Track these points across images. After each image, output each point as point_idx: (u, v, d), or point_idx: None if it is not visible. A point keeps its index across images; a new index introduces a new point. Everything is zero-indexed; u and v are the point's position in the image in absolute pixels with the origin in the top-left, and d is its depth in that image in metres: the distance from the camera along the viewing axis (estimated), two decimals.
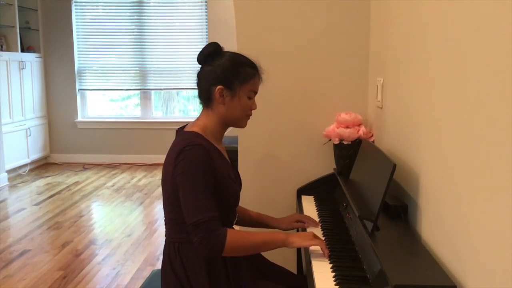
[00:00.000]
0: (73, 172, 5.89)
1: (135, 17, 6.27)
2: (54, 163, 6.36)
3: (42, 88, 6.22)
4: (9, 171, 5.36)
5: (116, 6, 6.28)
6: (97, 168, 6.13)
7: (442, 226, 1.26)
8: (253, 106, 1.57)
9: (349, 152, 2.09)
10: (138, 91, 6.47)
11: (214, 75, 1.51)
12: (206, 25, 6.04)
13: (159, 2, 6.25)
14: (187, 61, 6.21)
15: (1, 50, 5.44)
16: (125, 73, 6.38)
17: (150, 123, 6.42)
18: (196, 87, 1.59)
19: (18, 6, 5.60)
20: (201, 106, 1.59)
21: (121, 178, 5.60)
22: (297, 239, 1.47)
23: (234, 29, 2.31)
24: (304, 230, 1.74)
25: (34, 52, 6.08)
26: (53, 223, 3.96)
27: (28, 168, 5.89)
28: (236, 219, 1.66)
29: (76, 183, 5.36)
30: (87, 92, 6.49)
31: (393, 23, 1.84)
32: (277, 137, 2.33)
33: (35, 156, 6.01)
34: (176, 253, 1.48)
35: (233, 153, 2.03)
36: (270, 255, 1.69)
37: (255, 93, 1.59)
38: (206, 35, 6.07)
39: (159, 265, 2.42)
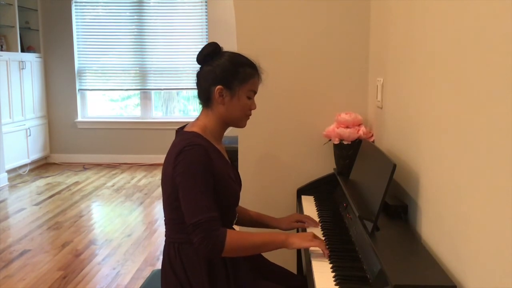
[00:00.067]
0: (73, 172, 5.89)
1: (135, 17, 6.27)
2: (54, 163, 6.36)
3: (42, 88, 6.22)
4: (9, 171, 5.37)
5: (116, 6, 6.28)
6: (97, 168, 6.13)
7: (442, 226, 1.26)
8: (252, 106, 1.57)
9: (349, 152, 2.09)
10: (138, 91, 6.47)
11: (213, 75, 1.51)
12: (206, 25, 6.05)
13: (159, 2, 6.25)
14: (187, 61, 6.21)
15: (1, 50, 5.44)
16: (125, 73, 6.38)
17: (150, 123, 6.42)
18: (196, 87, 1.59)
19: (18, 6, 5.60)
20: (200, 106, 1.59)
21: (121, 178, 5.60)
22: (297, 240, 1.47)
23: (234, 29, 2.31)
24: (304, 230, 1.74)
25: (34, 52, 6.08)
26: (53, 223, 3.96)
27: (28, 168, 5.89)
28: (236, 219, 1.66)
29: (76, 183, 5.36)
30: (87, 92, 6.49)
31: (393, 23, 1.84)
32: (277, 137, 2.33)
33: (35, 156, 6.01)
34: (176, 253, 1.48)
35: (233, 153, 2.03)
36: (270, 255, 1.69)
37: (255, 93, 1.59)
38: (206, 35, 6.07)
39: (159, 265, 2.42)
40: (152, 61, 6.32)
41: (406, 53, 1.66)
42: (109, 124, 6.42)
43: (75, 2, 6.24)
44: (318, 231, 1.70)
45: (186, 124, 1.58)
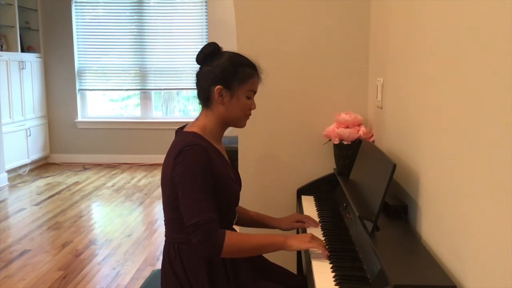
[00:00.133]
0: (73, 172, 5.89)
1: (135, 17, 6.27)
2: (54, 163, 6.36)
3: (42, 88, 6.22)
4: (9, 171, 5.37)
5: (116, 6, 6.28)
6: (97, 168, 6.13)
7: (442, 226, 1.26)
8: (252, 106, 1.57)
9: (349, 152, 2.09)
10: (138, 91, 6.47)
11: (213, 75, 1.51)
12: (206, 25, 6.05)
13: (159, 2, 6.25)
14: (187, 61, 6.21)
15: (1, 50, 5.44)
16: (125, 73, 6.38)
17: (150, 123, 6.42)
18: (195, 87, 1.59)
19: (18, 6, 5.60)
20: (200, 106, 1.59)
21: (121, 178, 5.60)
22: (295, 242, 1.47)
23: (234, 29, 2.31)
24: (304, 230, 1.74)
25: (34, 52, 6.08)
26: (53, 223, 3.96)
27: (28, 168, 5.89)
28: (236, 219, 1.66)
29: (76, 183, 5.36)
30: (87, 92, 6.48)
31: (393, 23, 1.84)
32: (277, 137, 2.33)
33: (35, 156, 6.01)
34: (176, 253, 1.48)
35: (233, 153, 2.03)
36: (270, 255, 1.69)
37: (254, 93, 1.59)
38: (206, 35, 6.07)
39: (159, 265, 2.42)
40: (152, 61, 6.32)
41: (406, 53, 1.66)
42: (109, 124, 6.42)
43: (75, 2, 6.24)
44: (318, 231, 1.70)
45: (185, 124, 1.58)
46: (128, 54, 6.32)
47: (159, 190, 4.81)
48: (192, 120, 1.59)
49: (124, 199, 4.73)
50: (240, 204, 1.68)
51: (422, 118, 1.46)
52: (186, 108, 6.74)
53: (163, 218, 1.55)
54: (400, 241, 1.43)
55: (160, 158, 1.67)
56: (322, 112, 2.27)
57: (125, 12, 6.28)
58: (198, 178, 1.39)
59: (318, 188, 2.21)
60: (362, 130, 2.10)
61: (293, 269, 2.01)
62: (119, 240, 3.55)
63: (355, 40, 2.25)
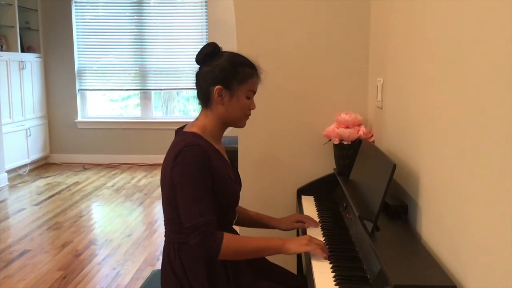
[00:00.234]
0: (73, 172, 5.89)
1: (135, 17, 6.27)
2: (54, 163, 6.36)
3: (42, 88, 6.22)
4: (9, 171, 5.37)
5: (116, 6, 6.28)
6: (97, 168, 6.13)
7: (442, 226, 1.26)
8: (251, 106, 1.57)
9: (349, 152, 2.09)
10: (138, 91, 6.47)
11: (212, 75, 1.51)
12: (206, 25, 6.05)
13: (159, 2, 6.25)
14: (187, 61, 6.21)
15: (1, 50, 5.44)
16: (125, 73, 6.38)
17: (150, 123, 6.42)
18: (195, 87, 1.59)
19: (18, 6, 5.60)
20: (200, 106, 1.59)
21: (121, 178, 5.60)
22: (293, 246, 1.46)
23: (234, 29, 2.31)
24: (304, 230, 1.74)
25: (34, 52, 6.08)
26: (53, 223, 3.96)
27: (28, 168, 5.89)
28: (236, 219, 1.66)
29: (76, 183, 5.36)
30: (87, 92, 6.48)
31: (393, 23, 1.84)
32: (277, 137, 2.32)
33: (35, 156, 6.01)
34: (175, 254, 1.48)
35: (233, 153, 2.03)
36: (270, 255, 1.69)
37: (254, 93, 1.59)
38: (206, 35, 6.07)
39: (159, 265, 2.42)
40: (152, 61, 6.32)
41: (406, 53, 1.66)
42: (109, 124, 6.42)
43: (75, 2, 6.24)
44: (318, 231, 1.70)
45: (185, 124, 1.58)
46: (128, 54, 6.32)
47: (159, 190, 4.81)
48: (192, 120, 1.59)
49: (124, 199, 4.73)
50: (240, 204, 1.68)
51: (422, 118, 1.46)
52: (186, 108, 6.74)
53: (163, 218, 1.55)
54: (400, 241, 1.43)
55: (160, 158, 1.67)
56: (322, 112, 2.27)
57: (125, 12, 6.28)
58: (197, 179, 1.39)
59: (318, 188, 2.21)
60: (362, 130, 2.10)
61: (293, 269, 2.01)
62: (119, 240, 3.55)
63: (355, 40, 2.25)
